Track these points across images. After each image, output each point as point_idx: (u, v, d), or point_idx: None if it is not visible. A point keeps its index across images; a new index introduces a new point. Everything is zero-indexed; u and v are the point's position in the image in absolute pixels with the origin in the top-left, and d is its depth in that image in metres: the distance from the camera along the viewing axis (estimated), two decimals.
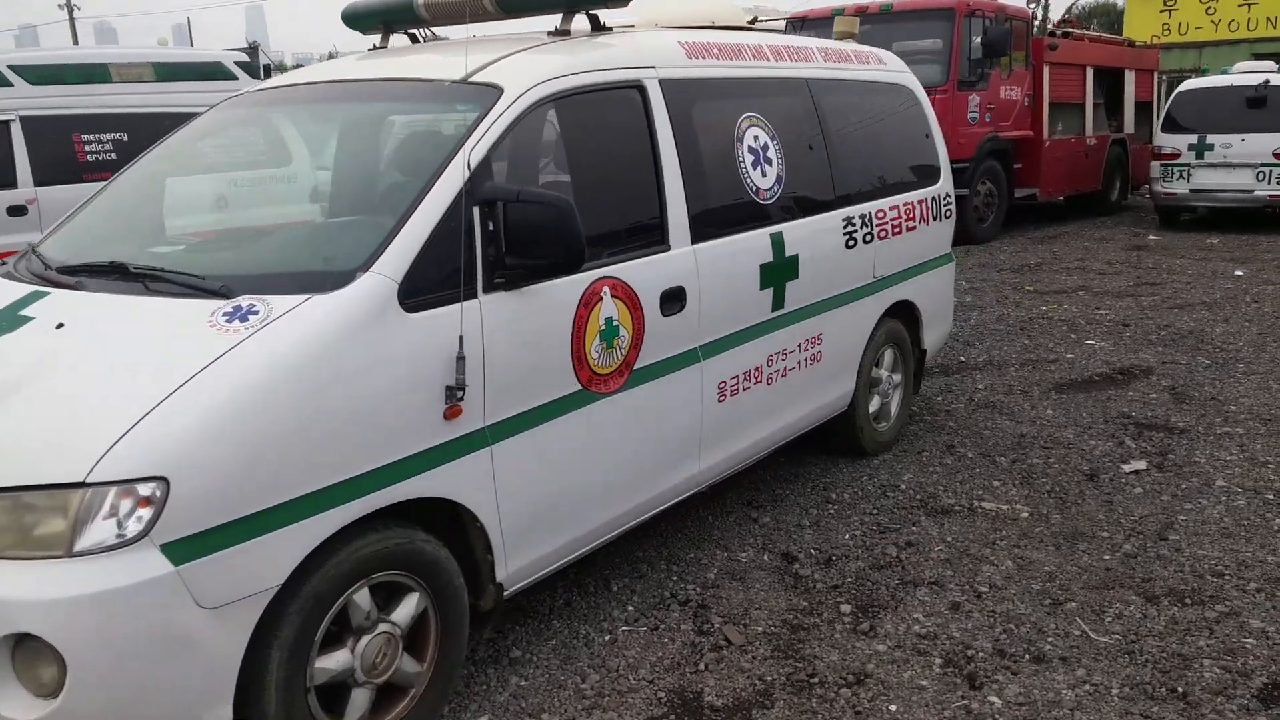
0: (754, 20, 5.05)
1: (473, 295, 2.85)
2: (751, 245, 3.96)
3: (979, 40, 12.74)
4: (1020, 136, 14.00)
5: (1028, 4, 15.60)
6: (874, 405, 5.12)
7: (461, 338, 2.75)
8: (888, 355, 5.18)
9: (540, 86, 3.19)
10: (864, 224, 4.69)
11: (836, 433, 5.04)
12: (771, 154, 4.13)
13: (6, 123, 8.35)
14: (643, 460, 3.55)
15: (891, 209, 4.93)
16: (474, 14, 3.74)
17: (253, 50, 33.06)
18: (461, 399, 2.79)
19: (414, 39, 4.15)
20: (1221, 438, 5.33)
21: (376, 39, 4.10)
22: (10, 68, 8.62)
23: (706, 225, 3.75)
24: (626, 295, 3.34)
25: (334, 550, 2.57)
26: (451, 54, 3.52)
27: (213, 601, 2.32)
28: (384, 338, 2.62)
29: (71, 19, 50.84)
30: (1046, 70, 14.47)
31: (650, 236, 3.54)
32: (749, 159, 4.00)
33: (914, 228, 5.12)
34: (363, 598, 2.67)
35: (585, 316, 3.19)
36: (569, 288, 3.14)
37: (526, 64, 3.28)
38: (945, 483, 4.79)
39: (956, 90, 12.58)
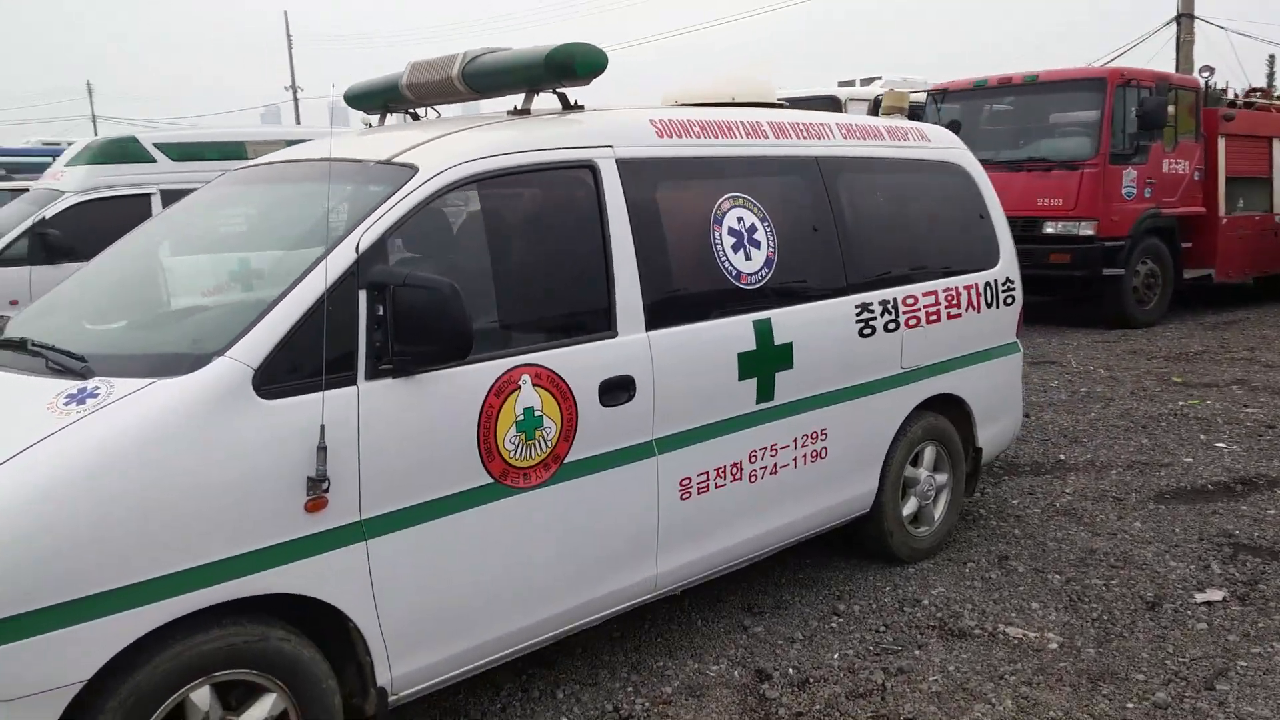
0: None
1: (350, 382, 2.73)
2: (727, 333, 3.70)
3: (1135, 111, 11.90)
4: (1189, 213, 12.92)
5: (1201, 73, 14.46)
6: (909, 508, 4.67)
7: (323, 427, 2.62)
8: (928, 454, 4.72)
9: (460, 167, 3.08)
10: (886, 311, 4.31)
11: (861, 537, 4.62)
12: (760, 236, 3.86)
13: (148, 195, 9.03)
14: (578, 561, 3.31)
15: (927, 295, 4.53)
16: (447, 95, 3.71)
17: None
18: (327, 491, 2.66)
19: (415, 117, 4.15)
20: None
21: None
22: (155, 145, 9.35)
23: (668, 311, 3.53)
24: (553, 384, 3.15)
25: (166, 644, 2.47)
26: (407, 133, 3.48)
27: (6, 694, 2.25)
28: (234, 424, 2.53)
29: (296, 100, 55.16)
30: (1222, 143, 13.36)
31: (592, 322, 3.35)
32: (729, 241, 3.75)
33: (958, 315, 4.69)
34: (202, 696, 2.54)
35: (497, 406, 3.01)
36: (476, 376, 2.98)
37: (454, 144, 3.19)
38: (977, 600, 4.28)
39: (1109, 164, 11.76)
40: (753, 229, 3.85)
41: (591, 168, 3.40)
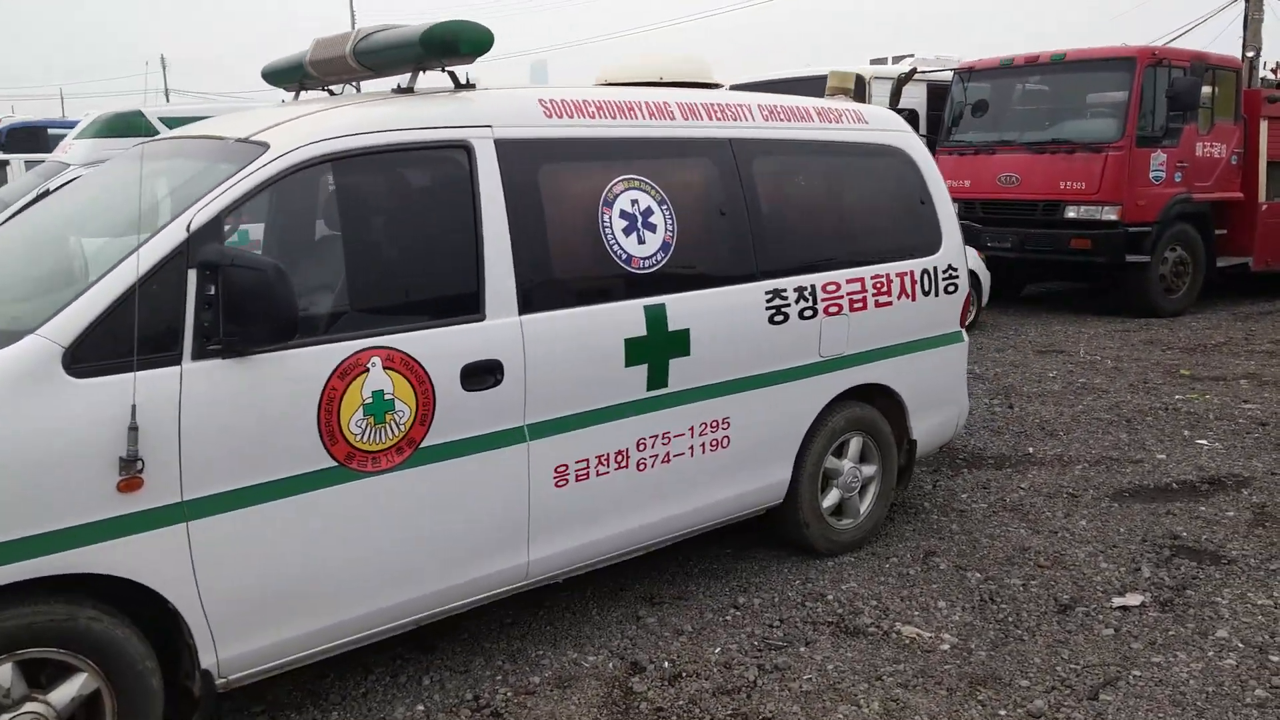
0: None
1: (174, 362, 2.72)
2: (614, 318, 3.63)
3: (1166, 92, 11.46)
4: (1225, 199, 12.45)
5: (1244, 53, 13.86)
6: (830, 499, 4.56)
7: (134, 407, 2.62)
8: (853, 445, 4.61)
9: (312, 146, 3.04)
10: (803, 298, 4.20)
11: (778, 528, 4.53)
12: (656, 220, 3.78)
13: None
14: (438, 546, 3.29)
15: (851, 282, 4.40)
16: (345, 72, 3.68)
17: None
18: (141, 471, 2.66)
19: (331, 93, 4.12)
20: (1276, 575, 4.37)
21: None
22: (160, 118, 9.49)
23: (546, 295, 3.47)
24: (407, 367, 3.11)
25: None
26: (283, 110, 3.45)
27: None
28: (40, 402, 2.54)
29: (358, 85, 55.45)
30: (1264, 125, 12.83)
31: (457, 306, 3.30)
32: (620, 225, 3.67)
33: (888, 303, 4.56)
34: (3, 674, 2.57)
35: (341, 389, 2.99)
36: (317, 358, 2.95)
37: (313, 122, 3.15)
38: (885, 597, 4.17)
39: (1135, 147, 11.36)
40: (648, 212, 3.76)
41: (466, 148, 3.34)
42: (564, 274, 3.57)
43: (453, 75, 3.57)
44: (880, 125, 4.74)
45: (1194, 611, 4.01)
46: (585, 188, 3.65)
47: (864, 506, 4.72)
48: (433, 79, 3.56)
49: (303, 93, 4.09)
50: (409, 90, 3.50)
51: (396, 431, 3.12)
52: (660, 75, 4.45)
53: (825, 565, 4.50)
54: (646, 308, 3.71)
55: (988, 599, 4.15)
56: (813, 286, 4.25)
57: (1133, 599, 4.12)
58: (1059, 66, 12.07)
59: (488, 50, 3.40)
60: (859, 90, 13.88)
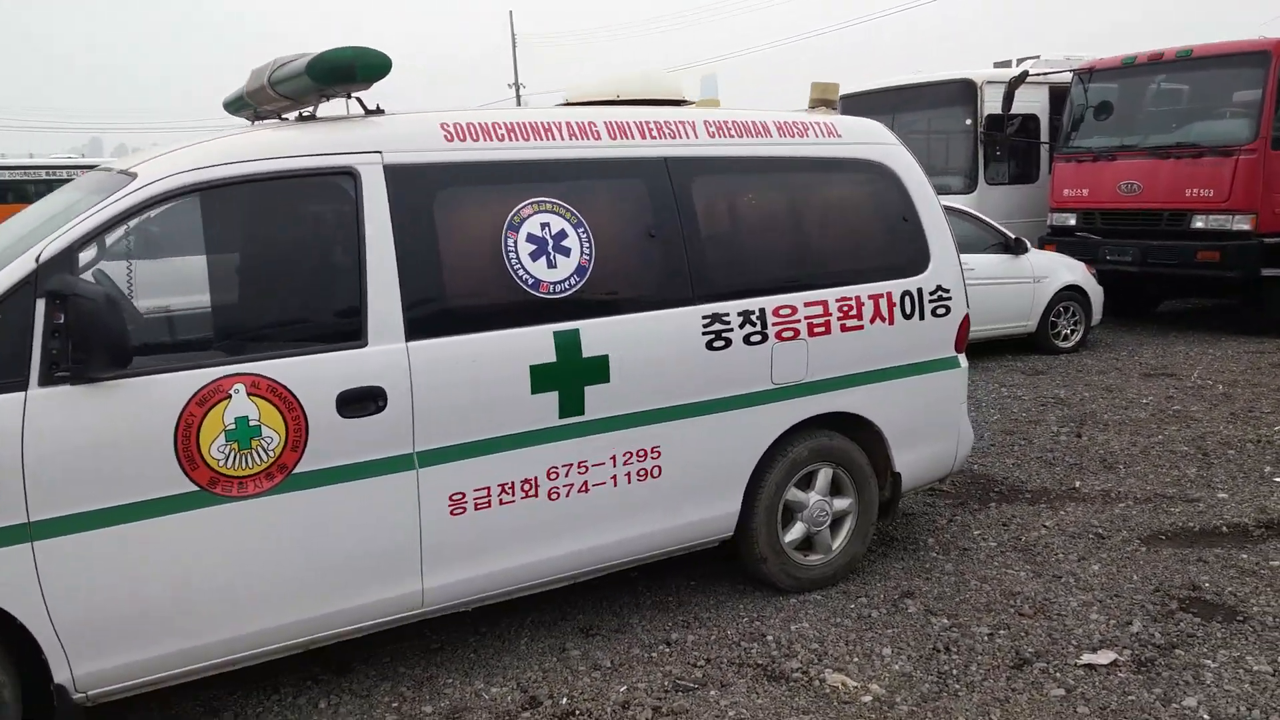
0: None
1: (20, 388, 2.83)
2: (517, 344, 3.55)
3: None
4: None
5: None
6: (794, 534, 4.32)
7: None
8: (822, 476, 4.35)
9: (179, 175, 3.11)
10: (749, 322, 4.00)
11: (739, 562, 4.34)
12: (571, 243, 3.68)
13: None
14: (317, 571, 3.29)
15: (811, 305, 4.17)
16: (270, 102, 3.76)
17: None
18: None
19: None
20: None
21: None
22: None
23: (439, 321, 3.43)
24: (275, 394, 3.13)
25: None
26: (190, 141, 3.54)
27: None
28: None
29: (518, 96, 57.20)
30: None
31: (335, 332, 3.31)
32: (526, 249, 3.59)
33: (857, 326, 4.29)
34: None
35: (199, 415, 3.03)
36: (173, 384, 3.01)
37: (189, 152, 3.21)
38: (830, 641, 3.91)
39: (1270, 149, 10.38)
40: (561, 235, 3.67)
41: (352, 174, 3.35)
42: (460, 300, 3.52)
43: (360, 101, 3.58)
44: (856, 139, 4.48)
45: (1170, 675, 3.58)
46: (488, 212, 3.59)
47: (836, 542, 4.45)
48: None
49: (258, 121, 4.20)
50: (310, 117, 3.53)
51: (265, 457, 3.14)
52: (617, 93, 4.35)
53: (785, 603, 4.27)
54: (557, 333, 3.61)
55: (942, 648, 3.83)
56: (761, 310, 4.05)
57: (1103, 656, 3.71)
58: (1185, 63, 11.18)
59: (382, 75, 3.38)
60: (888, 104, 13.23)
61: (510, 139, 3.67)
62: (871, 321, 4.34)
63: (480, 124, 3.63)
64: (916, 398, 4.54)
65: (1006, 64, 15.08)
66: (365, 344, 3.30)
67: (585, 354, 3.67)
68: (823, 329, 4.20)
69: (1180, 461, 6.22)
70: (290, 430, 3.17)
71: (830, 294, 4.23)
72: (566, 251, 3.67)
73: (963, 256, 9.42)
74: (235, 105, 4.14)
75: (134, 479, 2.98)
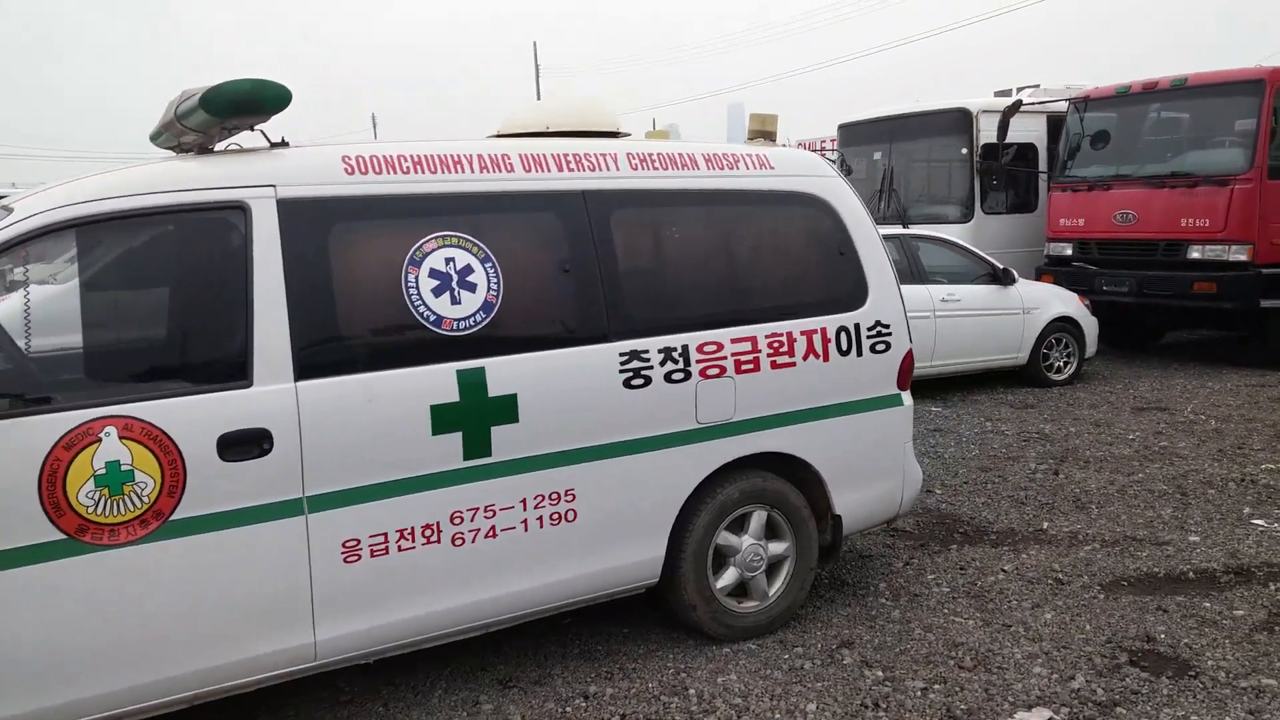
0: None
1: None
2: (416, 383, 3.41)
3: None
4: None
5: None
6: (726, 579, 4.15)
7: None
8: (755, 519, 4.18)
9: (55, 211, 3.01)
10: (670, 359, 3.86)
11: (670, 609, 4.16)
12: (477, 279, 3.55)
13: None
14: (195, 622, 3.14)
15: (739, 341, 4.02)
16: (179, 134, 3.66)
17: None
18: None
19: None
20: (1243, 694, 3.63)
21: None
22: None
23: (331, 360, 3.31)
24: (149, 437, 3.01)
25: None
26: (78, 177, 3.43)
27: None
28: None
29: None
30: None
31: (217, 372, 3.18)
32: (428, 285, 3.46)
33: (789, 364, 4.13)
34: None
35: (66, 460, 2.91)
36: (35, 428, 2.89)
37: (70, 187, 3.11)
38: (754, 695, 3.72)
39: (1267, 179, 10.17)
40: (466, 270, 3.54)
41: (242, 208, 3.24)
42: (355, 338, 3.40)
43: (264, 134, 3.48)
44: (791, 170, 4.34)
45: None
46: (389, 247, 3.46)
47: (773, 588, 4.27)
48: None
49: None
50: (207, 150, 3.43)
51: (139, 503, 3.01)
52: (546, 125, 4.24)
53: (717, 653, 4.08)
54: (460, 372, 3.48)
55: (870, 704, 3.63)
56: (685, 347, 3.90)
57: (1038, 715, 3.51)
58: (1180, 92, 11.00)
59: (281, 107, 3.28)
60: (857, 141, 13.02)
61: (416, 172, 3.56)
62: (805, 358, 4.18)
63: (385, 157, 3.52)
64: (856, 437, 4.37)
65: (1006, 93, 14.93)
66: (250, 384, 3.18)
67: (491, 393, 3.53)
68: (751, 366, 4.05)
69: (1156, 501, 6.00)
70: (166, 475, 3.04)
71: (760, 330, 4.08)
72: (472, 287, 3.54)
73: (949, 288, 9.33)
74: (157, 138, 4.06)
75: None
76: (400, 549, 3.42)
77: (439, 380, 3.44)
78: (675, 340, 3.89)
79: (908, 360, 4.51)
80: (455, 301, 3.51)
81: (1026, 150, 13.19)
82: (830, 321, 4.26)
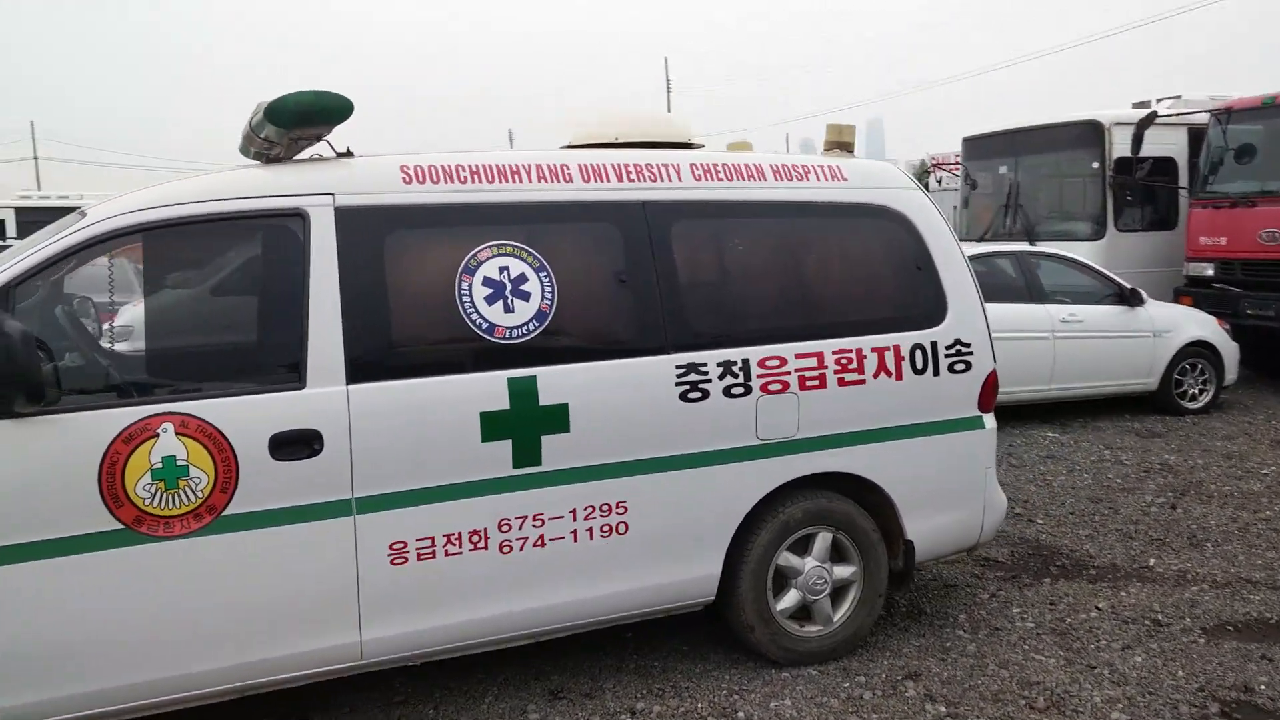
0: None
1: None
2: (467, 390, 3.44)
3: None
4: None
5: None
6: (787, 601, 4.03)
7: None
8: (820, 541, 4.05)
9: (124, 216, 3.16)
10: (730, 373, 3.78)
11: (729, 629, 4.07)
12: (531, 287, 3.55)
13: None
14: (245, 616, 3.23)
15: (805, 356, 3.90)
16: (255, 145, 3.79)
17: None
18: None
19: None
20: None
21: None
22: None
23: (383, 365, 3.36)
24: (204, 434, 3.12)
25: None
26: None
27: None
28: None
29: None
30: None
31: (272, 374, 3.28)
32: (482, 293, 3.49)
33: (859, 381, 3.99)
34: None
35: (125, 453, 3.04)
36: (98, 421, 3.03)
37: (139, 195, 3.27)
38: None
39: None
40: (521, 279, 3.55)
41: (301, 215, 3.33)
42: (407, 344, 3.44)
43: (329, 144, 3.57)
44: (866, 183, 4.20)
45: None
46: (444, 255, 3.50)
47: (838, 613, 4.12)
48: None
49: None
50: (277, 159, 3.55)
51: (193, 498, 3.12)
52: (615, 136, 4.23)
53: (775, 676, 3.96)
54: (511, 380, 3.49)
55: None
56: (745, 361, 3.81)
57: None
58: None
59: (343, 118, 3.36)
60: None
61: (474, 181, 3.59)
62: (875, 376, 4.03)
63: (443, 166, 3.57)
64: (931, 460, 4.18)
65: (1145, 104, 14.21)
66: (303, 386, 3.25)
67: (542, 402, 3.52)
68: (816, 383, 3.93)
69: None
70: (220, 471, 3.14)
71: (827, 345, 3.96)
72: (526, 296, 3.55)
73: (1070, 308, 8.89)
74: (245, 150, 4.23)
75: (56, 514, 3.00)
76: (448, 554, 3.44)
77: (490, 388, 3.46)
78: (735, 354, 3.81)
79: (990, 381, 4.30)
80: (508, 310, 3.52)
81: (1165, 164, 12.50)
82: (905, 339, 4.10)
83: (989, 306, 8.61)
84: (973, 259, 8.99)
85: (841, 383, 3.97)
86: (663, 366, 3.71)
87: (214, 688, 3.26)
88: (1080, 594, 4.82)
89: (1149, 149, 11.81)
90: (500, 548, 3.51)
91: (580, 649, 4.15)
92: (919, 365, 4.11)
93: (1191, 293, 11.31)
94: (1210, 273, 11.20)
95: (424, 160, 3.58)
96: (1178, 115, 12.42)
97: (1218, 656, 4.08)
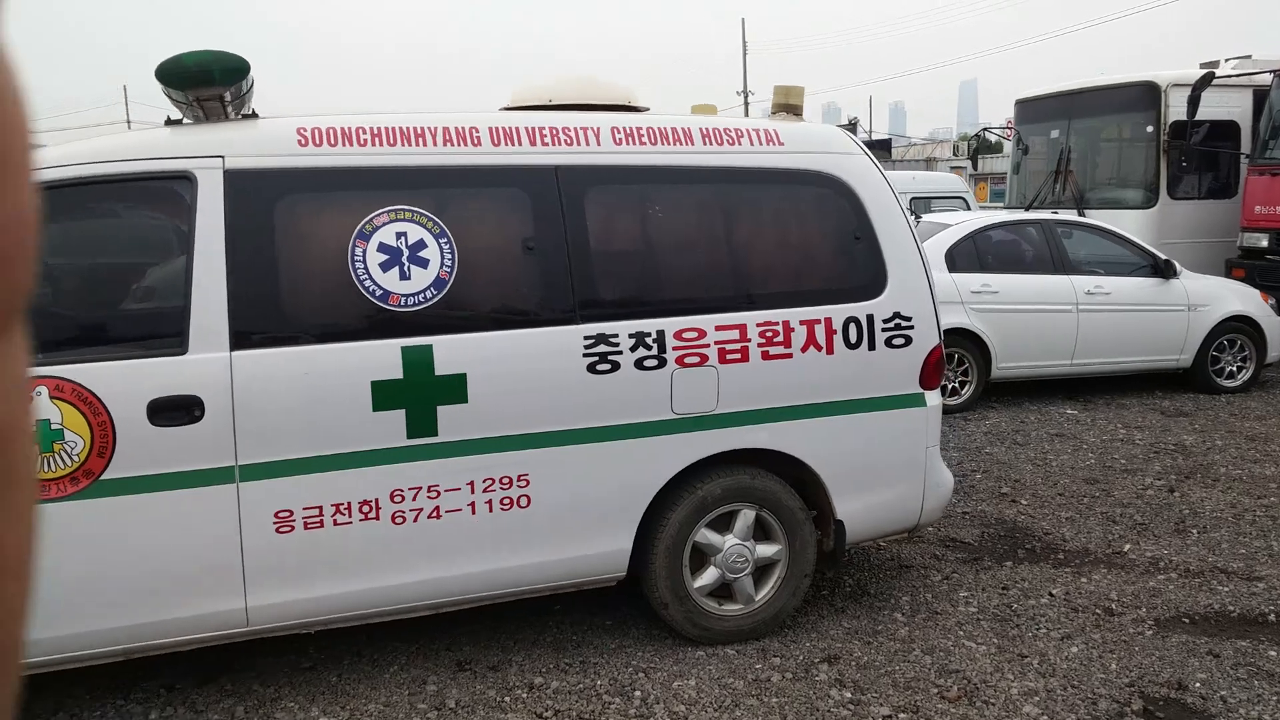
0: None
1: None
2: (358, 358, 3.39)
3: None
4: None
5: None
6: (705, 579, 3.93)
7: None
8: (742, 518, 3.93)
9: None
10: (643, 344, 3.67)
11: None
12: (430, 254, 3.48)
13: None
14: (122, 580, 3.24)
15: (727, 328, 3.77)
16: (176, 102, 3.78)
17: (851, 127, 34.22)
18: None
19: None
20: None
21: None
22: None
23: (270, 331, 3.33)
24: (80, 398, 3.13)
25: None
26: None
27: None
28: None
29: (746, 104, 56.51)
30: None
31: (153, 339, 3.27)
32: (376, 259, 3.42)
33: (785, 354, 3.84)
34: None
35: None
36: None
37: (42, 153, 3.26)
38: (701, 706, 3.50)
39: None
40: (419, 246, 3.47)
41: (188, 178, 3.30)
42: (297, 311, 3.40)
43: (222, 103, 3.50)
44: (804, 147, 4.01)
45: None
46: (338, 220, 3.44)
47: (762, 592, 4.01)
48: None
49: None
50: (176, 122, 3.52)
51: (69, 461, 3.13)
52: (550, 98, 4.11)
53: (689, 655, 3.88)
54: (406, 349, 3.43)
55: None
56: (660, 333, 3.69)
57: None
58: None
59: (238, 78, 3.31)
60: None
61: (375, 144, 3.52)
62: (804, 350, 3.88)
63: (342, 129, 3.50)
64: (864, 438, 4.02)
65: (1214, 65, 13.49)
66: (185, 352, 3.24)
67: (438, 371, 3.46)
68: (738, 356, 3.79)
69: (1273, 532, 5.25)
70: (96, 436, 3.14)
71: (750, 317, 3.81)
72: (424, 263, 3.48)
73: (1097, 279, 8.51)
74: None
75: None
76: (336, 523, 3.41)
77: (382, 356, 3.40)
78: (650, 325, 3.69)
79: (934, 357, 4.11)
80: (405, 277, 3.45)
81: (1227, 128, 11.87)
82: (838, 311, 3.93)
83: (1012, 277, 8.46)
84: (994, 227, 8.71)
85: (766, 356, 3.82)
86: (570, 337, 3.61)
87: (96, 649, 3.28)
88: (1038, 579, 4.63)
89: (1209, 112, 11.24)
90: (393, 518, 3.47)
91: (501, 620, 4.11)
92: (853, 339, 3.95)
93: (1245, 265, 10.77)
94: (1265, 244, 10.64)
95: (322, 122, 3.51)
96: (1243, 76, 11.76)
97: (1160, 650, 3.87)
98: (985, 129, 15.19)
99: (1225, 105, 11.68)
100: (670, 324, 3.72)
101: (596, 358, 3.62)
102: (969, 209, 13.47)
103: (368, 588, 3.49)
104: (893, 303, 4.01)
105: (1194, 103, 11.01)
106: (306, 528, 3.38)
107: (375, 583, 3.49)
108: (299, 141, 3.44)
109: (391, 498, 3.46)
